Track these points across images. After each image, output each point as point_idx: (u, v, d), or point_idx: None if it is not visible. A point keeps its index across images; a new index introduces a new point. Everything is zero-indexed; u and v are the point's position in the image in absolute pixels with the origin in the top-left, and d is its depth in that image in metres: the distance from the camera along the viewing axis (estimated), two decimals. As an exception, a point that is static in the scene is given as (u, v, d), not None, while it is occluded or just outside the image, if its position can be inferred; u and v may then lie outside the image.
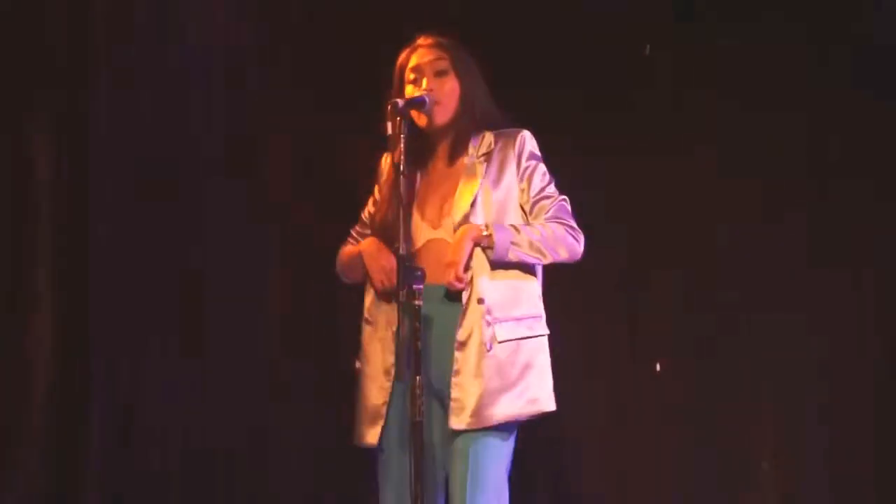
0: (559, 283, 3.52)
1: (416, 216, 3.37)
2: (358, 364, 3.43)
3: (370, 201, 3.55)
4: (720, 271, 4.66)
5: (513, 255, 3.30)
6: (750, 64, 4.62)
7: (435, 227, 3.37)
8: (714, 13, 4.67)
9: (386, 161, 3.49)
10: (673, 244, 4.66)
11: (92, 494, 4.28)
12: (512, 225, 3.34)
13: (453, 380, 3.27)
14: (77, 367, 4.30)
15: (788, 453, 4.64)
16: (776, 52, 4.63)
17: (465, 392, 3.26)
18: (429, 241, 3.37)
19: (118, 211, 4.38)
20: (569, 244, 3.36)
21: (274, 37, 4.62)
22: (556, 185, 3.43)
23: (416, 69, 3.39)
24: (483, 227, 3.29)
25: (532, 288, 3.37)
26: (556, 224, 3.36)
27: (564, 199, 3.40)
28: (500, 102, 3.48)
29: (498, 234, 3.28)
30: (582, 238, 3.39)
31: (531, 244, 3.31)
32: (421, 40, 3.43)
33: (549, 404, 3.36)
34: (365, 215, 3.56)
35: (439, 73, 3.38)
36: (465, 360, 3.27)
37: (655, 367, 4.66)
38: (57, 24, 4.35)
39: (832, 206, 4.63)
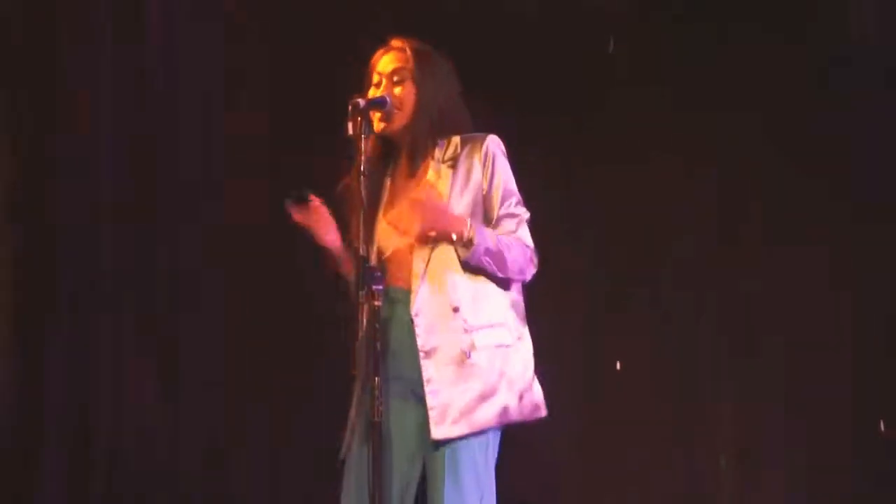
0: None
1: (383, 222, 3.36)
2: (354, 371, 3.33)
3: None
4: (681, 272, 4.73)
5: (480, 261, 3.25)
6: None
7: (403, 234, 3.32)
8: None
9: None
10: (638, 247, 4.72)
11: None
12: (491, 231, 3.30)
13: (427, 388, 3.24)
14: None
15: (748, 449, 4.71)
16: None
17: (442, 400, 3.23)
18: (397, 249, 3.34)
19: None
20: (527, 269, 3.34)
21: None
22: (521, 188, 3.40)
23: (379, 72, 3.38)
24: (467, 227, 3.24)
25: (501, 293, 3.33)
26: (520, 247, 3.32)
27: (527, 219, 3.38)
28: (474, 108, 3.43)
29: (478, 237, 3.24)
30: (537, 262, 3.37)
31: (500, 256, 3.27)
32: (393, 42, 3.40)
33: (520, 412, 3.31)
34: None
35: (396, 81, 3.35)
36: (436, 368, 3.25)
37: (616, 366, 4.71)
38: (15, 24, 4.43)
39: (798, 208, 4.68)
